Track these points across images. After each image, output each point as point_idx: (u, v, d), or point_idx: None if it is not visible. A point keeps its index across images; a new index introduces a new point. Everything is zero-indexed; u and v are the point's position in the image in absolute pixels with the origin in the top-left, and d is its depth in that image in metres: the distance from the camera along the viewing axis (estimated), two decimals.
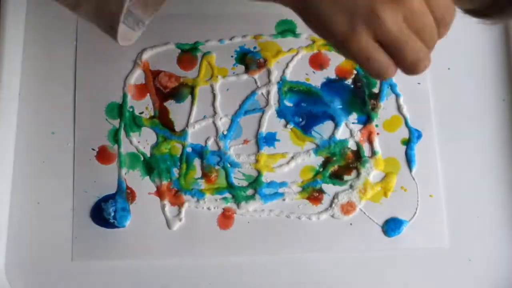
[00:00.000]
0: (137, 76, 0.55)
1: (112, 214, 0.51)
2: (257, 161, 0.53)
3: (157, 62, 0.55)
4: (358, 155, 0.54)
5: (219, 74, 0.55)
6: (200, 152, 0.54)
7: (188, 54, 0.56)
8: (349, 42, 0.33)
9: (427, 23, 0.33)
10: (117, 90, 0.55)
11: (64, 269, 0.51)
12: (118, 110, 0.54)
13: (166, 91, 0.55)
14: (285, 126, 0.54)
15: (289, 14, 0.56)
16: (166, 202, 0.52)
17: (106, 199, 0.52)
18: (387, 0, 0.32)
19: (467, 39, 0.57)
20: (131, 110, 0.54)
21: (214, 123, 0.54)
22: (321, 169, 0.53)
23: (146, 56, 0.55)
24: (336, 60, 0.56)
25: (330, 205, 0.52)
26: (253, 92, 0.55)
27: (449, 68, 0.56)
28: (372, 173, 0.53)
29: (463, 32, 0.57)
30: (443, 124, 0.54)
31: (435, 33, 0.34)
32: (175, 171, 0.53)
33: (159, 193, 0.53)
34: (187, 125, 0.54)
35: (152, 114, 0.54)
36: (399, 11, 0.32)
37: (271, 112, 0.54)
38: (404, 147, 0.54)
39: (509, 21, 0.56)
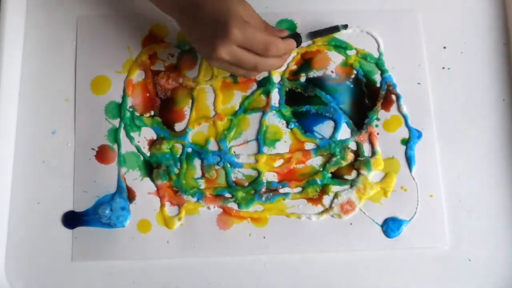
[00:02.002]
0: (137, 76, 0.55)
1: (108, 216, 0.51)
2: (257, 161, 0.53)
3: (157, 62, 0.56)
4: (358, 155, 0.54)
5: (219, 74, 0.55)
6: (200, 152, 0.54)
7: (188, 54, 0.56)
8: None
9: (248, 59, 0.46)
10: (117, 89, 0.55)
11: (64, 269, 0.51)
12: (118, 109, 0.54)
13: (166, 92, 0.55)
14: (285, 126, 0.54)
15: (289, 14, 0.57)
16: (166, 202, 0.52)
17: (106, 199, 0.52)
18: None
19: (468, 39, 0.57)
20: (131, 110, 0.54)
21: (214, 123, 0.54)
22: (321, 169, 0.53)
23: (146, 56, 0.55)
24: (336, 60, 0.56)
25: (330, 205, 0.52)
26: (253, 92, 0.55)
27: (449, 68, 0.56)
28: (372, 173, 0.53)
29: (463, 32, 0.57)
30: (443, 124, 0.54)
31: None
32: (175, 171, 0.53)
33: (159, 193, 0.53)
34: (187, 125, 0.54)
35: (153, 113, 0.54)
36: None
37: (271, 112, 0.54)
38: (404, 147, 0.54)
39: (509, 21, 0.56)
